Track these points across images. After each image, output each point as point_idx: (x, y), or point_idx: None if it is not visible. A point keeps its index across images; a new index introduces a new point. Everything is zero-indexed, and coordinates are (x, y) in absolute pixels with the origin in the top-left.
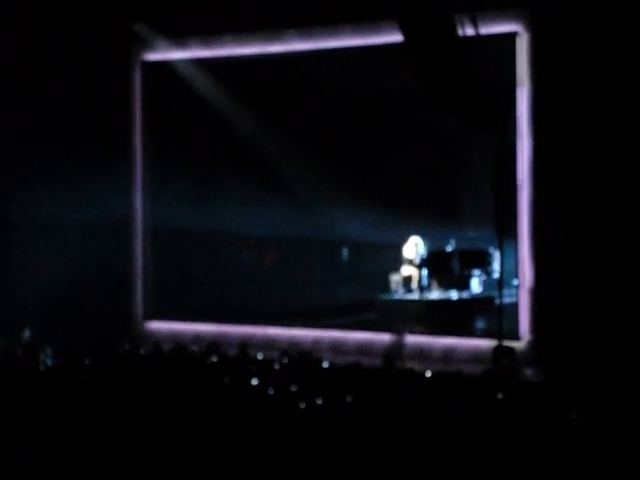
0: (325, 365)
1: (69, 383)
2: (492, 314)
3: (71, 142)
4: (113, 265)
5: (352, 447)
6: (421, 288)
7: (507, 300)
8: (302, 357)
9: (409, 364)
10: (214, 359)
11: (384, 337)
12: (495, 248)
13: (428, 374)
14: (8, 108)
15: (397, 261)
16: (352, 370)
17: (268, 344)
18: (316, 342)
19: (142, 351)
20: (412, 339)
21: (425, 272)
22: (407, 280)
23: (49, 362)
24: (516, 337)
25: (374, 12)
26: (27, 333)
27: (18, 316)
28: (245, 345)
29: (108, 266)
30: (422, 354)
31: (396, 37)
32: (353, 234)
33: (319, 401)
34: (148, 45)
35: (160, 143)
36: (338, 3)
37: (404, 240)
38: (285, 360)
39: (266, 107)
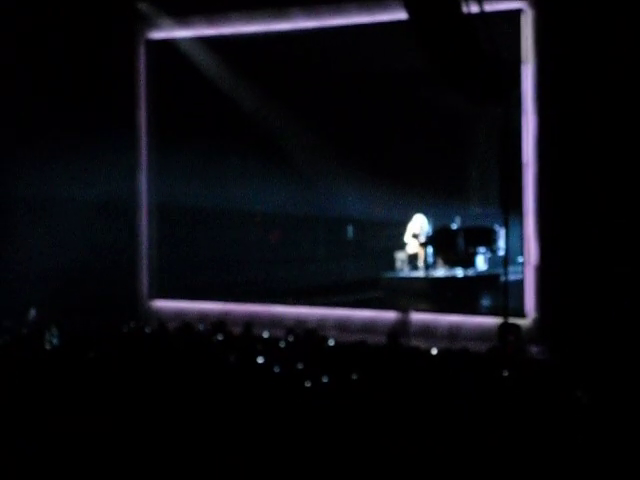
0: (330, 343)
1: (75, 361)
2: (497, 292)
3: (76, 121)
4: (118, 244)
5: (357, 425)
6: (426, 266)
7: (512, 278)
8: (307, 335)
9: (414, 342)
10: (219, 337)
11: (389, 315)
12: (500, 225)
13: (434, 351)
14: (11, 88)
15: (402, 239)
16: (357, 348)
17: (274, 322)
18: (321, 320)
19: (147, 329)
20: (417, 317)
21: (430, 250)
22: (412, 258)
23: (55, 341)
24: (521, 314)
25: None
26: (32, 313)
27: (23, 296)
28: (250, 324)
29: (113, 245)
30: (428, 332)
31: (402, 14)
32: (358, 212)
33: (325, 379)
34: (152, 23)
35: (165, 121)
36: None
37: (409, 218)
38: (291, 338)
39: (271, 85)
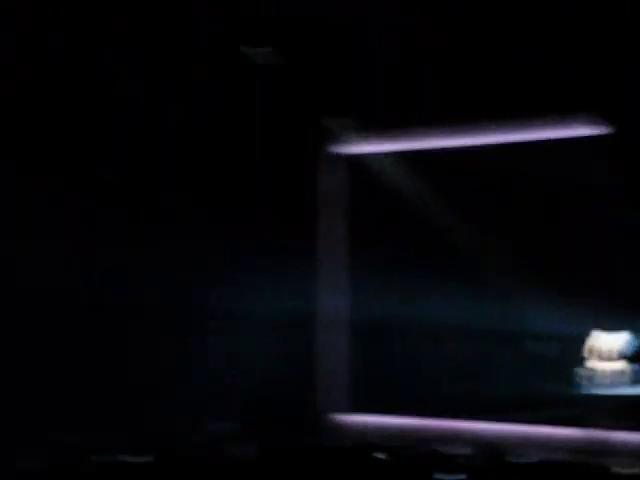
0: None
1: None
2: None
3: (259, 232)
4: (301, 359)
5: None
6: (633, 382)
7: None
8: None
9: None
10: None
11: (592, 433)
12: None
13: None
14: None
15: (600, 355)
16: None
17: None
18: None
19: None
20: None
21: (635, 366)
22: (614, 374)
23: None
24: None
25: (570, 105)
26: (221, 425)
27: (206, 406)
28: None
29: (297, 359)
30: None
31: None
32: (547, 326)
33: None
34: (341, 138)
35: (355, 237)
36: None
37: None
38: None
39: (465, 201)
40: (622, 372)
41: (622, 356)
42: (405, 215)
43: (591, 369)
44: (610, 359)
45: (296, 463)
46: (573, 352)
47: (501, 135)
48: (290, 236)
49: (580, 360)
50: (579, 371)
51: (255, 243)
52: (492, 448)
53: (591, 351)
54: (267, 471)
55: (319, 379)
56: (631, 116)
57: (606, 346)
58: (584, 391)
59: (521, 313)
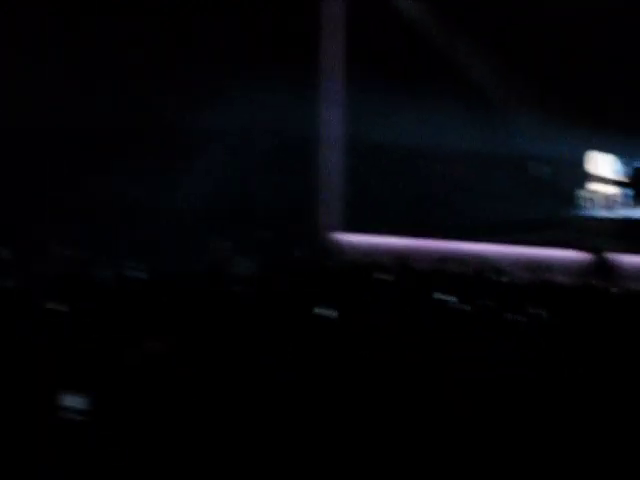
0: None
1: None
2: None
3: (261, 51)
4: (303, 176)
5: (552, 364)
6: (622, 205)
7: None
8: (495, 273)
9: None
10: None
11: (583, 255)
12: None
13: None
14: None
15: (594, 179)
16: (547, 287)
17: (460, 260)
18: (512, 259)
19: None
20: (613, 257)
21: (629, 190)
22: (606, 198)
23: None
24: None
25: None
26: (227, 245)
27: (205, 226)
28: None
29: (298, 176)
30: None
31: None
32: (550, 150)
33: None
34: None
35: (354, 55)
36: None
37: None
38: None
39: (468, 19)
40: (617, 195)
41: (616, 180)
42: (406, 37)
43: (592, 192)
44: (607, 182)
45: (299, 280)
46: (575, 175)
47: None
48: (293, 55)
49: (582, 183)
50: (580, 193)
51: (258, 61)
52: (490, 268)
53: (592, 174)
54: (266, 286)
55: (320, 197)
56: None
57: (604, 170)
58: (585, 213)
59: (521, 136)
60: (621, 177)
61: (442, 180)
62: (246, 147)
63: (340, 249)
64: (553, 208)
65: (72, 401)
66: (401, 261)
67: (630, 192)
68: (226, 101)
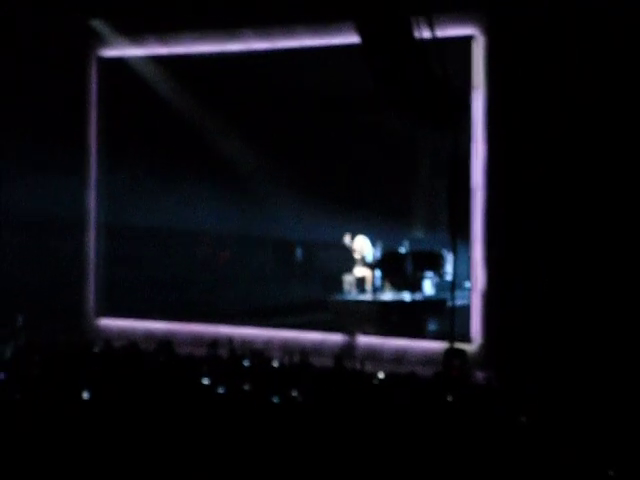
0: (275, 364)
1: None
2: (444, 316)
3: (27, 137)
4: (65, 261)
5: (303, 447)
6: (374, 289)
7: (459, 302)
8: (254, 356)
9: (361, 365)
10: (165, 358)
11: (336, 337)
12: (448, 250)
13: (381, 375)
14: None
15: (351, 262)
16: (303, 370)
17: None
18: (268, 341)
19: (95, 348)
20: (364, 340)
21: (378, 273)
22: (360, 281)
23: (8, 355)
24: (468, 340)
25: (332, 13)
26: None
27: None
28: (211, 344)
29: (60, 262)
30: (374, 355)
31: (353, 38)
32: (306, 234)
33: (274, 399)
34: (104, 41)
35: (116, 139)
36: (296, 3)
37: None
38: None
39: (223, 105)
40: (364, 279)
41: (370, 263)
42: (165, 120)
43: (349, 274)
44: (364, 265)
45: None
46: (333, 258)
47: (263, 41)
48: (61, 140)
49: (340, 265)
50: (344, 278)
51: (23, 149)
52: (247, 351)
53: (349, 257)
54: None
55: (84, 281)
56: (383, 27)
57: (361, 253)
58: (338, 297)
59: (281, 219)
60: (375, 260)
61: (204, 263)
62: (11, 229)
63: (104, 333)
64: (311, 291)
65: None
66: (164, 345)
67: (381, 274)
68: None
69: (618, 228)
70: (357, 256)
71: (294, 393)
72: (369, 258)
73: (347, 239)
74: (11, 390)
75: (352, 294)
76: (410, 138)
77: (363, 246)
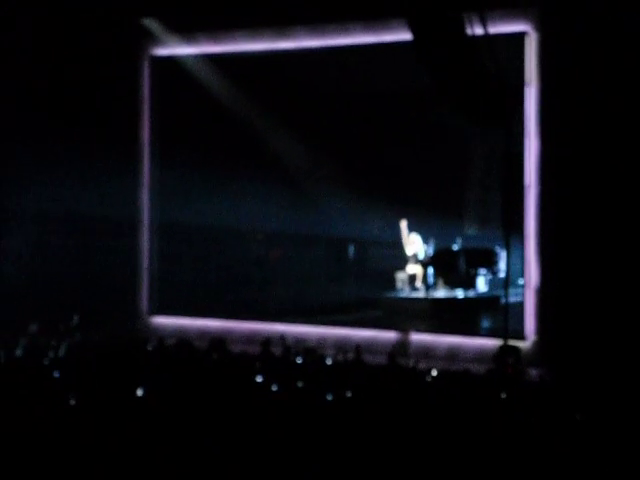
0: (328, 362)
1: (76, 377)
2: (498, 313)
3: (80, 137)
4: (120, 260)
5: (356, 444)
6: (427, 286)
7: (513, 299)
8: (307, 353)
9: (414, 362)
10: (218, 355)
11: (389, 335)
12: (501, 247)
13: (434, 372)
14: (13, 103)
15: (403, 259)
16: (356, 367)
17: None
18: (321, 339)
19: (149, 346)
20: (417, 337)
21: (431, 270)
22: (413, 278)
23: (60, 354)
24: (521, 337)
25: (384, 10)
26: (33, 328)
27: (23, 310)
28: (265, 342)
29: (115, 261)
30: (427, 352)
31: (406, 35)
32: (360, 232)
33: (328, 397)
34: (157, 40)
35: (168, 138)
36: (349, 0)
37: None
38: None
39: (275, 104)
40: (416, 276)
41: (422, 260)
42: (217, 118)
43: (401, 272)
44: (415, 262)
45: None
46: (385, 256)
47: (315, 39)
48: (114, 140)
49: (392, 263)
50: (397, 275)
51: (77, 148)
52: (301, 349)
53: (402, 255)
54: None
55: (138, 280)
56: (435, 24)
57: (412, 250)
58: (391, 295)
59: (337, 219)
60: (427, 258)
61: (257, 261)
62: (64, 230)
63: (158, 332)
64: (364, 289)
65: None
66: (217, 343)
67: (433, 272)
68: (46, 183)
69: None
70: (409, 251)
71: (347, 391)
72: (421, 255)
73: (404, 224)
74: (65, 388)
75: (405, 291)
76: (463, 135)
77: (416, 243)
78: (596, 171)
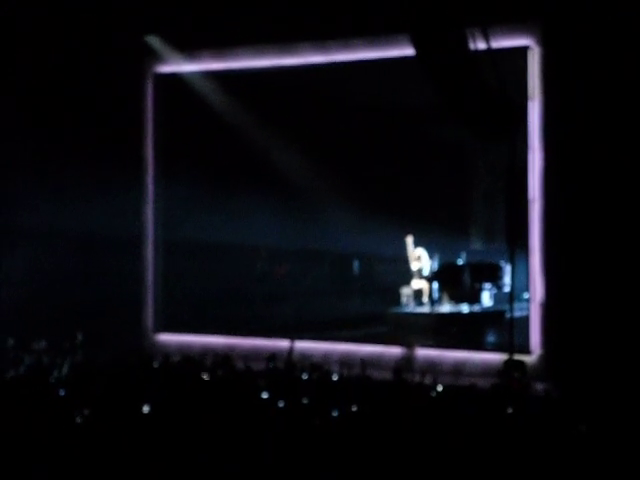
0: (334, 378)
1: (82, 395)
2: (503, 328)
3: (84, 154)
4: (125, 277)
5: (363, 460)
6: (432, 301)
7: (518, 314)
8: (313, 370)
9: (419, 377)
10: (223, 371)
11: (395, 350)
12: (506, 262)
13: (439, 388)
14: (16, 119)
15: (408, 275)
16: (362, 383)
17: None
18: (326, 355)
19: (155, 364)
20: (423, 352)
21: (436, 285)
22: (418, 293)
23: (64, 372)
24: (527, 351)
25: (388, 25)
26: (39, 345)
27: (28, 327)
28: (271, 357)
29: (120, 278)
30: (433, 367)
31: (409, 50)
32: (365, 247)
33: (334, 413)
34: (160, 57)
35: (172, 155)
36: (352, 16)
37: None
38: (298, 373)
39: (278, 119)
40: (421, 291)
41: (427, 275)
42: (221, 135)
43: (407, 287)
44: (421, 277)
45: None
46: (390, 271)
47: (320, 55)
48: (118, 156)
49: (397, 278)
50: (402, 290)
51: (81, 165)
52: (306, 365)
53: (407, 270)
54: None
55: (142, 297)
56: (438, 39)
57: (418, 265)
58: (396, 310)
59: (342, 234)
60: (432, 272)
61: (262, 277)
62: (69, 247)
63: (163, 349)
64: (369, 304)
65: None
66: (222, 359)
67: (438, 287)
68: (50, 200)
69: None
70: (415, 267)
71: (353, 406)
72: (426, 271)
73: (409, 240)
74: (71, 406)
75: (410, 307)
76: (467, 150)
77: (421, 259)
78: (600, 184)
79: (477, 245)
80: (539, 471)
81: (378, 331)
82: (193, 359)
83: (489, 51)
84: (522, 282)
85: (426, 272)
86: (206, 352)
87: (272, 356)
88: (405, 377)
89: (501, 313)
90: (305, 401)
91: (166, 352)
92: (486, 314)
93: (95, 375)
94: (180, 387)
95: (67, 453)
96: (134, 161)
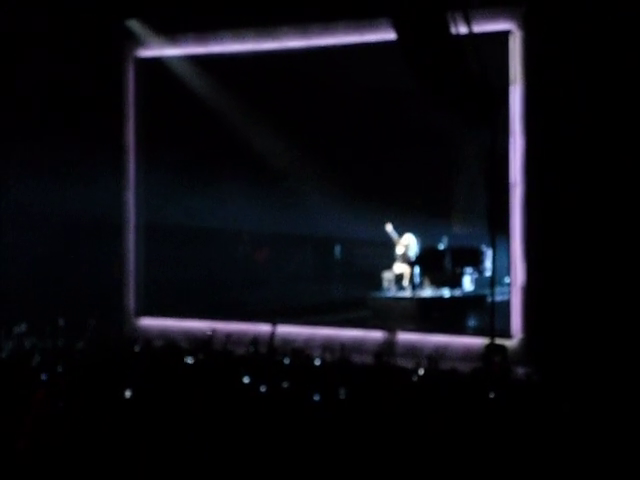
0: (317, 362)
1: (65, 378)
2: (484, 312)
3: (64, 139)
4: (106, 262)
5: (345, 444)
6: (413, 286)
7: (499, 298)
8: (295, 354)
9: (401, 361)
10: (204, 356)
11: (376, 334)
12: (487, 246)
13: (421, 372)
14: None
15: (390, 259)
16: (343, 367)
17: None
18: (308, 339)
19: (136, 348)
20: (404, 337)
21: (417, 270)
22: (399, 278)
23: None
24: (508, 335)
25: (368, 9)
26: (20, 329)
27: (8, 311)
28: (253, 342)
29: (101, 263)
30: (414, 352)
31: (391, 34)
32: (346, 231)
33: (315, 397)
34: (141, 41)
35: (153, 140)
36: (333, 0)
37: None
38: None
39: (259, 103)
40: (403, 276)
41: (407, 261)
42: (203, 119)
43: (394, 272)
44: (403, 262)
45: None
46: (372, 255)
47: (300, 39)
48: (98, 141)
49: (379, 263)
50: (384, 275)
51: (62, 150)
52: (288, 349)
53: (389, 254)
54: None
55: (123, 281)
56: (419, 23)
57: (400, 250)
58: (377, 295)
59: (328, 219)
60: (414, 257)
61: (243, 261)
62: (50, 232)
63: (145, 333)
64: (350, 289)
65: None
66: (205, 344)
67: (420, 271)
68: (31, 185)
69: None
70: (400, 251)
71: (335, 391)
72: (412, 255)
73: (389, 228)
74: (53, 390)
75: (391, 291)
76: (448, 134)
77: (410, 244)
78: (581, 169)
79: (458, 229)
80: (520, 454)
81: (360, 315)
82: (175, 343)
83: (471, 35)
84: (503, 266)
85: (412, 257)
86: (188, 336)
87: (254, 340)
88: (386, 361)
89: (482, 297)
90: (286, 385)
91: (148, 336)
92: (467, 298)
93: (77, 360)
94: (162, 372)
95: (49, 438)
96: (115, 146)
